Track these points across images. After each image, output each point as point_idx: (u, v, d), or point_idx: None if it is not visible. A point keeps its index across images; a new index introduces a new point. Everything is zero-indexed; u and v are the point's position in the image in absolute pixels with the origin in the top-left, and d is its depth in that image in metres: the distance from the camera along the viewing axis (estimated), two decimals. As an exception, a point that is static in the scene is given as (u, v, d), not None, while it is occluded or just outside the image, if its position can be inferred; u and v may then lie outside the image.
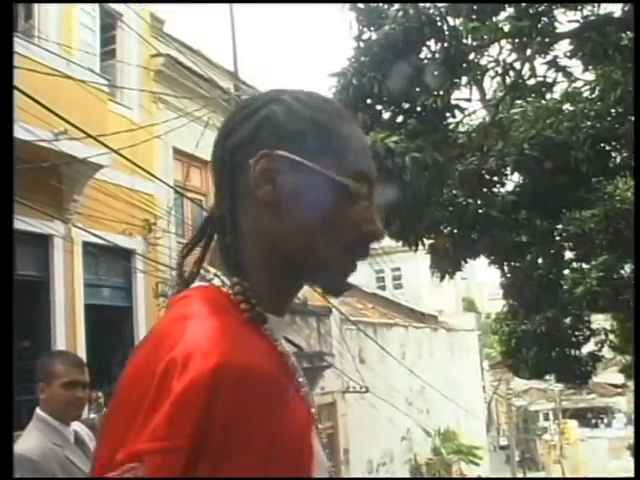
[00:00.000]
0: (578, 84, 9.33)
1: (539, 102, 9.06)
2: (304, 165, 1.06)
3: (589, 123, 8.27)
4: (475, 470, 24.12)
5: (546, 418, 39.63)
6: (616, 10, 8.27)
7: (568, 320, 13.76)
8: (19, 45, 8.26)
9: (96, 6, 11.38)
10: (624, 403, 37.90)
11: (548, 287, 12.50)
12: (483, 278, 50.28)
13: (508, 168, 9.32)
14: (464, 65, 8.06)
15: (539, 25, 7.76)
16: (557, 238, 11.93)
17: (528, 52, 8.21)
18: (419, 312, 25.30)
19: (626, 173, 9.17)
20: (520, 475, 32.28)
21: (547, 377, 17.01)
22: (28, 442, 3.00)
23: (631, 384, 22.76)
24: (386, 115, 8.29)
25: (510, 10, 8.18)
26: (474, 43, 8.24)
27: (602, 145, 8.40)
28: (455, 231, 9.99)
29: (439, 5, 7.95)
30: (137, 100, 11.77)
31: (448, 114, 8.29)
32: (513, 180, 9.97)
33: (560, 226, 11.29)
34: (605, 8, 8.40)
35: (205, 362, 0.90)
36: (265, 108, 1.10)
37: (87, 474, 3.06)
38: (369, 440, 17.94)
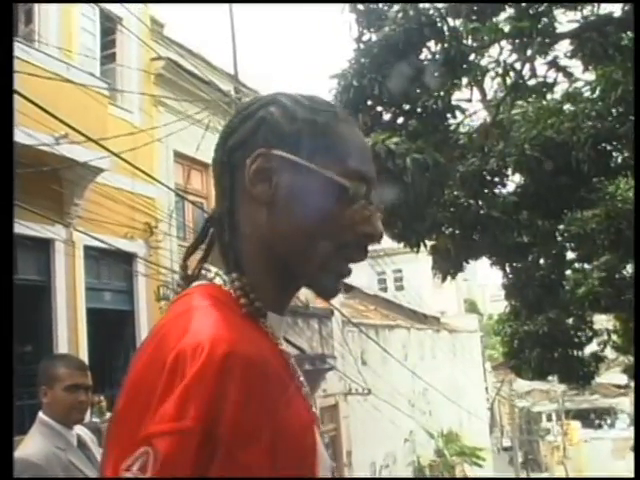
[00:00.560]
0: (579, 84, 9.33)
1: (540, 102, 9.06)
2: (300, 165, 1.07)
3: (590, 123, 8.26)
4: (478, 472, 24.12)
5: (549, 419, 39.57)
6: (616, 10, 8.26)
7: (570, 321, 13.74)
8: (19, 49, 8.27)
9: (96, 10, 11.39)
10: (627, 404, 37.80)
11: (550, 288, 12.49)
12: (485, 279, 50.31)
13: (509, 169, 9.32)
14: (464, 66, 8.05)
15: (539, 25, 7.74)
16: (559, 238, 11.92)
17: (528, 52, 8.20)
18: (421, 314, 25.31)
19: (627, 173, 9.16)
20: (523, 476, 32.23)
21: (550, 378, 16.97)
22: (31, 446, 2.99)
23: (634, 384, 22.71)
24: (387, 116, 8.29)
25: (510, 11, 8.17)
26: (474, 44, 8.23)
27: (603, 145, 8.39)
28: (457, 232, 9.98)
29: (439, 6, 7.95)
30: (137, 103, 11.78)
31: (449, 115, 8.28)
32: (514, 181, 9.97)
33: (562, 226, 11.29)
34: (605, 8, 8.40)
35: (215, 349, 0.91)
36: (263, 109, 1.12)
37: (90, 478, 3.06)
38: (372, 442, 17.94)
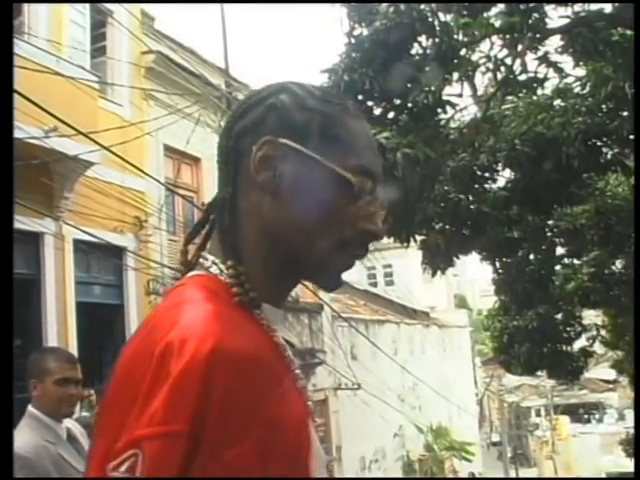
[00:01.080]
0: (569, 80, 9.35)
1: (530, 98, 9.08)
2: (306, 155, 1.05)
3: (580, 119, 8.28)
4: (467, 466, 24.19)
5: (538, 414, 39.71)
6: (607, 6, 8.28)
7: (560, 316, 13.81)
8: (9, 42, 8.21)
9: (86, 3, 11.33)
10: (615, 399, 38.06)
11: (540, 283, 12.55)
12: (475, 274, 50.30)
13: (499, 164, 9.35)
14: (455, 61, 8.05)
15: (530, 21, 7.75)
16: (548, 234, 11.99)
17: (519, 48, 8.20)
18: (411, 309, 25.33)
19: (617, 169, 9.19)
20: (512, 471, 32.34)
21: (539, 373, 17.05)
22: (20, 439, 2.97)
23: (622, 379, 22.85)
24: (377, 111, 8.28)
25: (501, 6, 8.17)
26: (465, 39, 8.24)
27: (593, 141, 8.42)
28: (447, 227, 10.01)
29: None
30: (128, 97, 11.73)
31: (439, 110, 8.28)
32: (504, 176, 10.01)
33: (551, 222, 11.35)
34: (596, 4, 8.41)
35: (200, 345, 0.90)
36: (273, 97, 1.10)
37: (80, 471, 3.04)
38: (361, 437, 17.95)
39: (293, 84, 1.12)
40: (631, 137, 8.16)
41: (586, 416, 40.50)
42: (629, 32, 7.76)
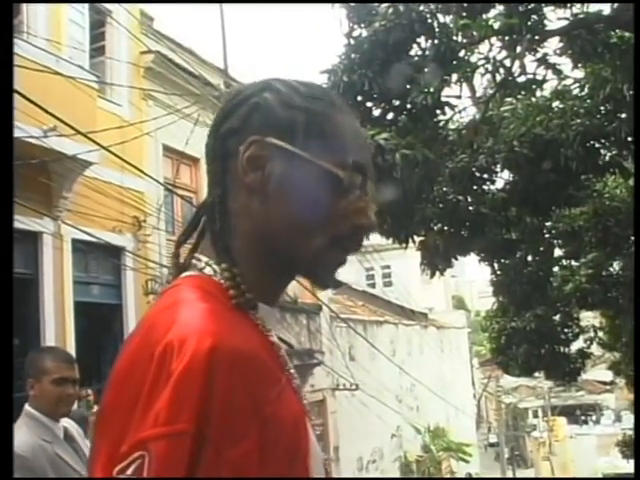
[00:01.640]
0: (568, 82, 9.35)
1: (529, 99, 9.08)
2: (294, 153, 1.04)
3: (579, 120, 8.29)
4: (465, 467, 24.20)
5: (535, 415, 39.79)
6: (605, 8, 8.29)
7: (557, 317, 13.83)
8: (8, 41, 8.20)
9: (86, 3, 11.32)
10: (612, 400, 38.09)
11: (538, 284, 12.56)
12: (473, 276, 50.44)
13: (498, 165, 9.35)
14: (454, 62, 8.05)
15: (529, 23, 7.75)
16: (547, 235, 12.00)
17: (518, 49, 8.20)
18: (409, 310, 25.32)
19: (615, 171, 9.20)
20: (509, 472, 32.37)
21: (536, 374, 17.06)
22: (17, 438, 2.96)
23: (619, 381, 22.85)
24: (376, 112, 8.28)
25: (500, 7, 8.18)
26: (464, 40, 8.23)
27: (591, 142, 8.42)
28: (445, 228, 10.01)
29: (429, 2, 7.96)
30: (127, 97, 11.73)
31: (438, 111, 8.28)
32: (503, 177, 10.01)
33: (550, 223, 11.35)
34: (594, 6, 8.42)
35: (200, 344, 0.90)
36: (257, 95, 1.09)
37: (77, 471, 3.05)
38: (359, 437, 17.95)
39: (277, 81, 1.11)
40: (629, 139, 8.19)
41: (583, 417, 40.54)
42: (627, 34, 7.78)
